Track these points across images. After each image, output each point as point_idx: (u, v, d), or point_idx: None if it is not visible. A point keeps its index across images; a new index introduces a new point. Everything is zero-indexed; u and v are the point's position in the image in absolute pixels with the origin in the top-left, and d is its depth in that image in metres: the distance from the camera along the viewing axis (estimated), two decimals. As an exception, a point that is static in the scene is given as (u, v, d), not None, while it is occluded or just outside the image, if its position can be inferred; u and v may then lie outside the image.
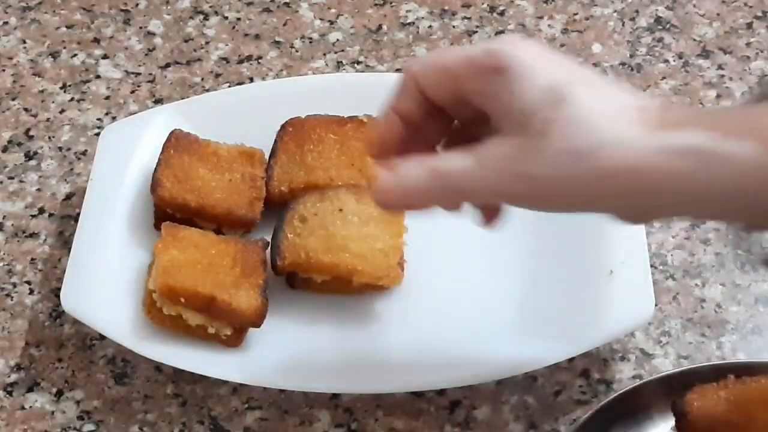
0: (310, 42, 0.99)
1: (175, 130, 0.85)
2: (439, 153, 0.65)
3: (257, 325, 0.77)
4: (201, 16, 1.02)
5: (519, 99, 0.59)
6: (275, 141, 0.85)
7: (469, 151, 0.61)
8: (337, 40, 0.99)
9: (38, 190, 0.90)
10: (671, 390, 0.71)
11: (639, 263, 0.77)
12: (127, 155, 0.85)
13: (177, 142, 0.84)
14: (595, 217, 0.62)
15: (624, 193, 0.58)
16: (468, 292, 0.80)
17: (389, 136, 0.65)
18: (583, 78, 0.60)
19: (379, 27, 1.00)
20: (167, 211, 0.81)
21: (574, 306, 0.76)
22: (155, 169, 0.82)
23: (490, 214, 0.67)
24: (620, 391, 0.73)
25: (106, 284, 0.79)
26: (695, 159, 0.57)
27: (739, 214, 0.59)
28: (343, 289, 0.79)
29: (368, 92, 0.88)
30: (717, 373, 0.71)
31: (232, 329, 0.76)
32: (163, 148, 0.83)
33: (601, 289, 0.77)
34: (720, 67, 0.96)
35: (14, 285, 0.84)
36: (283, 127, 0.86)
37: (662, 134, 0.57)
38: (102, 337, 0.79)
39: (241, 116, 0.88)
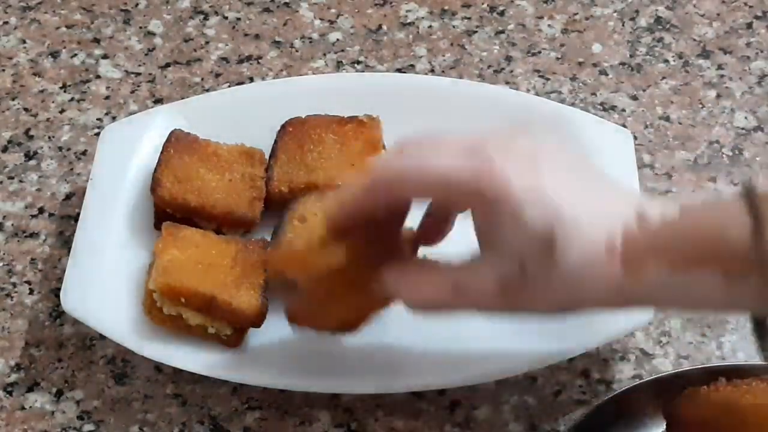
0: (310, 42, 0.99)
1: (175, 130, 0.85)
2: (459, 266, 0.66)
3: (257, 325, 0.76)
4: (201, 16, 1.02)
5: (510, 241, 0.62)
6: (275, 141, 0.85)
7: (485, 274, 0.63)
8: (337, 40, 0.99)
9: (38, 190, 0.90)
10: (663, 393, 0.71)
11: None
12: (127, 155, 0.85)
13: (177, 142, 0.84)
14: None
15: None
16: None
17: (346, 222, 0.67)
18: (570, 208, 0.61)
19: (379, 27, 1.00)
20: (167, 211, 0.81)
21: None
22: (155, 169, 0.82)
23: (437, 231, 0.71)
24: (612, 394, 0.73)
25: (105, 284, 0.79)
26: (662, 291, 0.62)
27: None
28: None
29: (368, 92, 0.89)
30: (709, 375, 0.71)
31: (232, 329, 0.76)
32: (163, 148, 0.83)
33: None
34: (720, 67, 0.96)
35: (14, 285, 0.84)
36: (283, 127, 0.86)
37: (630, 279, 0.61)
38: (102, 337, 0.79)
39: (241, 116, 0.88)
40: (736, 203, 0.60)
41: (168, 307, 0.76)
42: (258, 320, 0.76)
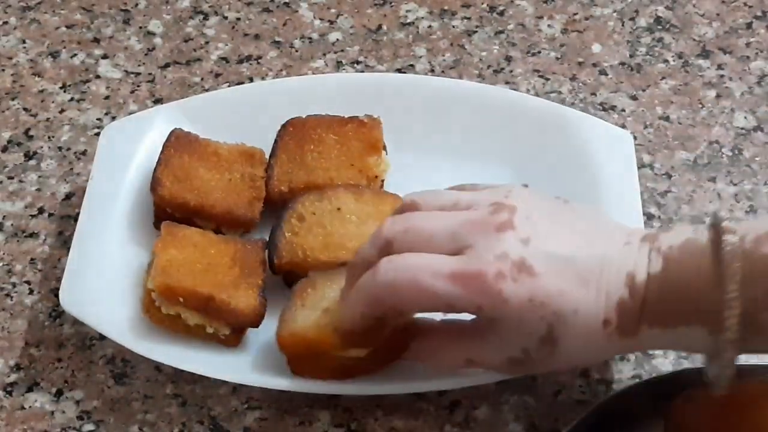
0: (310, 42, 0.99)
1: (176, 129, 0.85)
2: (471, 340, 0.70)
3: (256, 325, 0.76)
4: (201, 16, 1.02)
5: (513, 339, 0.67)
6: (275, 141, 0.85)
7: (493, 353, 0.69)
8: (337, 40, 0.99)
9: (38, 190, 0.90)
10: (661, 394, 0.71)
11: None
12: (127, 154, 0.85)
13: (177, 142, 0.84)
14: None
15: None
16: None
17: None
18: (567, 301, 0.66)
19: (379, 27, 1.00)
20: (167, 211, 0.81)
21: None
22: (155, 168, 0.82)
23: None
24: (610, 395, 0.73)
25: (104, 282, 0.79)
26: (655, 343, 0.69)
27: None
28: (342, 289, 0.79)
29: (369, 92, 0.89)
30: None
31: (231, 329, 0.76)
32: (163, 147, 0.83)
33: None
34: (720, 67, 0.96)
35: (14, 285, 0.84)
36: (283, 126, 0.86)
37: (626, 342, 0.67)
38: (102, 337, 0.79)
39: (242, 116, 0.88)
40: (707, 249, 0.64)
41: (166, 307, 0.76)
42: (256, 320, 0.76)
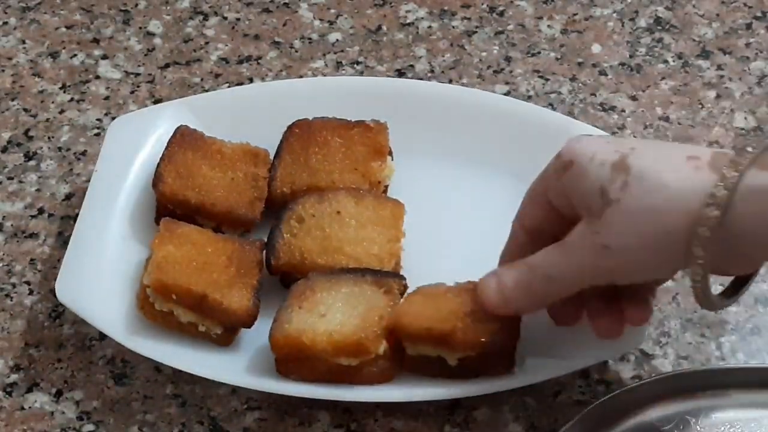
0: (310, 42, 0.99)
1: (182, 126, 0.84)
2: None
3: (248, 325, 0.76)
4: (201, 17, 1.02)
5: (591, 179, 0.66)
6: (281, 141, 0.85)
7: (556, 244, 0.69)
8: (337, 40, 0.99)
9: (38, 190, 0.90)
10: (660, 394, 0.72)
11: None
12: (133, 149, 0.85)
13: (182, 139, 0.84)
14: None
15: (706, 242, 0.63)
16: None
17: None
18: (640, 146, 0.67)
19: (379, 27, 1.00)
20: (168, 207, 0.81)
21: (566, 327, 0.76)
22: (158, 164, 0.82)
23: (572, 314, 0.73)
24: (607, 396, 0.73)
25: (102, 277, 0.79)
26: (756, 197, 0.63)
27: None
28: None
29: (378, 97, 0.88)
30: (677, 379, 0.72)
31: (223, 328, 0.76)
32: (167, 143, 0.83)
33: None
34: (719, 68, 0.96)
35: (14, 285, 0.84)
36: (289, 128, 0.85)
37: (731, 177, 0.63)
38: (101, 338, 0.79)
39: (249, 115, 0.88)
40: None
41: (160, 303, 0.76)
42: (249, 321, 0.76)
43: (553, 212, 0.71)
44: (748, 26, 0.99)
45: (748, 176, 0.63)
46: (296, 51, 0.99)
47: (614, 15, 1.00)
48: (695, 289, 0.66)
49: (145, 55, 0.99)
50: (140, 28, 1.01)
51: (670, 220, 0.64)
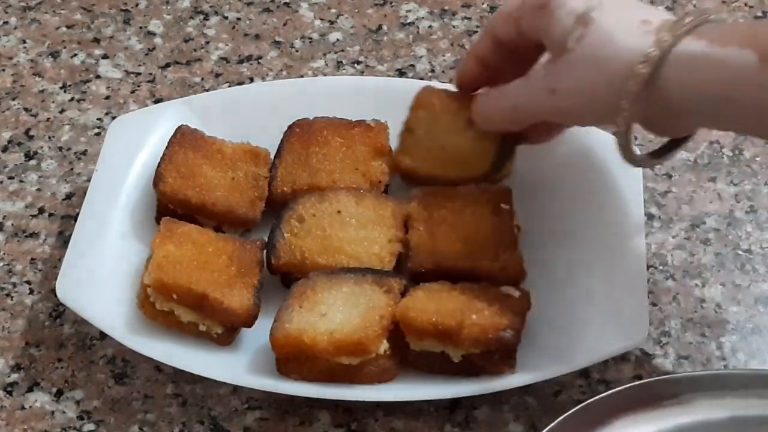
0: (310, 42, 0.99)
1: (182, 125, 0.84)
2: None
3: (248, 325, 0.76)
4: (201, 16, 1.02)
5: (557, 25, 0.71)
6: (281, 141, 0.85)
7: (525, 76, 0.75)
8: (337, 40, 0.99)
9: (38, 190, 0.90)
10: (660, 394, 0.72)
11: (638, 287, 0.77)
12: (134, 148, 0.85)
13: (183, 138, 0.84)
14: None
15: (632, 97, 0.68)
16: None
17: (469, 75, 0.80)
18: (608, 3, 0.70)
19: (379, 27, 1.00)
20: (169, 206, 0.81)
21: (566, 327, 0.76)
22: (158, 163, 0.82)
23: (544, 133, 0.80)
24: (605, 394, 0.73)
25: (102, 276, 0.79)
26: (694, 64, 0.67)
27: (732, 121, 0.70)
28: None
29: (379, 96, 0.88)
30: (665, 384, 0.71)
31: (223, 328, 0.76)
32: (168, 143, 0.83)
33: (598, 309, 0.77)
34: (720, 68, 0.96)
35: (14, 285, 0.84)
36: (290, 127, 0.85)
37: (666, 41, 0.67)
38: (102, 337, 0.80)
39: (250, 115, 0.88)
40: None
41: (160, 303, 0.76)
42: (249, 320, 0.76)
43: (521, 37, 0.76)
44: (749, 26, 0.99)
45: (683, 43, 0.67)
46: (297, 50, 0.99)
47: (615, 15, 1.00)
48: (618, 141, 0.71)
49: (146, 54, 0.99)
50: (141, 27, 1.01)
51: (611, 72, 0.69)
